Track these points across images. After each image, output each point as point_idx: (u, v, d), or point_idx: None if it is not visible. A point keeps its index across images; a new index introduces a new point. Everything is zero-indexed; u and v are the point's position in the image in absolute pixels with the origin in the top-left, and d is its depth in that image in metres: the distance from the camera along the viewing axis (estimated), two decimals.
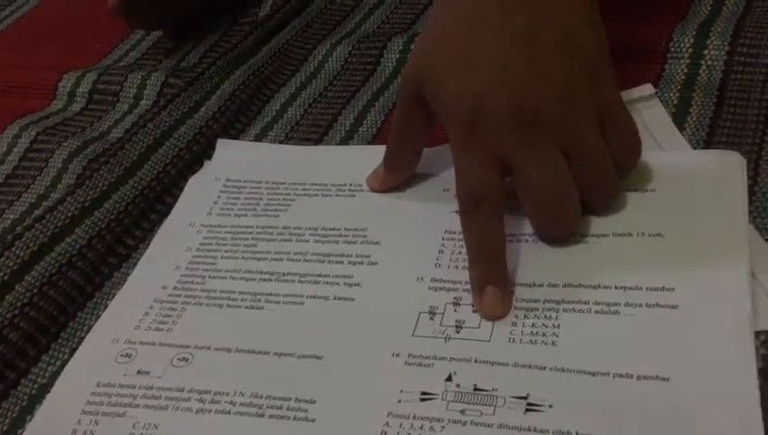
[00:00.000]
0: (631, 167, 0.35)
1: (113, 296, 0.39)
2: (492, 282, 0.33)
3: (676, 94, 0.41)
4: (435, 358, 0.32)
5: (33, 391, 0.36)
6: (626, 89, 0.40)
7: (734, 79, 0.41)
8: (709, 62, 0.42)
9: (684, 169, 0.37)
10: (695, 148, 0.38)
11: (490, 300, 0.33)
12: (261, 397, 0.32)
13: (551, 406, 0.29)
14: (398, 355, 0.32)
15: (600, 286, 0.33)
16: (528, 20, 0.34)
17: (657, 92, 0.41)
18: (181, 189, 0.44)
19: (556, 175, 0.33)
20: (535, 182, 0.33)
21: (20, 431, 0.34)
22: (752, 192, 0.35)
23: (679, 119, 0.40)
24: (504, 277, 0.33)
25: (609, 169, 0.34)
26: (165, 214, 0.43)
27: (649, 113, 0.40)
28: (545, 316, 0.32)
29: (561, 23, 0.34)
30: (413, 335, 0.33)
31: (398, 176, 0.40)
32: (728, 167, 0.36)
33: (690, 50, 0.43)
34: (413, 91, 0.36)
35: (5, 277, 0.39)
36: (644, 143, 0.36)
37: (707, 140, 0.39)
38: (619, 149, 0.34)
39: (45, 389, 0.35)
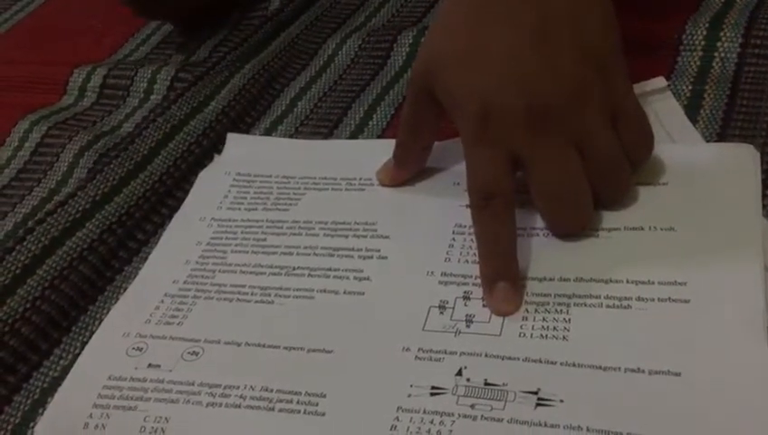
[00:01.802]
0: (643, 161, 0.35)
1: (124, 290, 0.39)
2: (503, 278, 0.33)
3: (689, 87, 0.41)
4: (445, 352, 0.31)
5: (45, 385, 0.36)
6: (638, 82, 0.40)
7: (748, 71, 0.41)
8: (722, 55, 0.42)
9: (696, 162, 0.36)
10: (708, 141, 0.38)
11: (501, 296, 0.33)
12: (271, 391, 0.32)
13: (561, 401, 0.29)
14: (408, 349, 0.32)
15: (611, 281, 0.32)
16: (540, 15, 0.33)
17: (669, 85, 0.41)
18: (191, 184, 0.45)
19: (567, 171, 0.33)
20: (547, 179, 0.33)
21: (32, 425, 0.34)
22: (765, 185, 0.35)
23: (692, 112, 0.40)
24: (516, 273, 0.33)
25: (622, 165, 0.34)
26: (175, 208, 0.43)
27: (662, 106, 0.40)
28: (556, 311, 0.32)
29: (574, 17, 0.34)
30: (423, 330, 0.33)
31: (408, 170, 0.40)
32: (741, 160, 0.36)
33: (703, 42, 0.42)
34: (422, 86, 0.36)
35: (17, 271, 0.39)
36: (656, 136, 0.35)
37: (720, 133, 0.38)
38: (631, 144, 0.34)
39: (57, 382, 0.35)
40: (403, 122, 0.39)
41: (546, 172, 0.33)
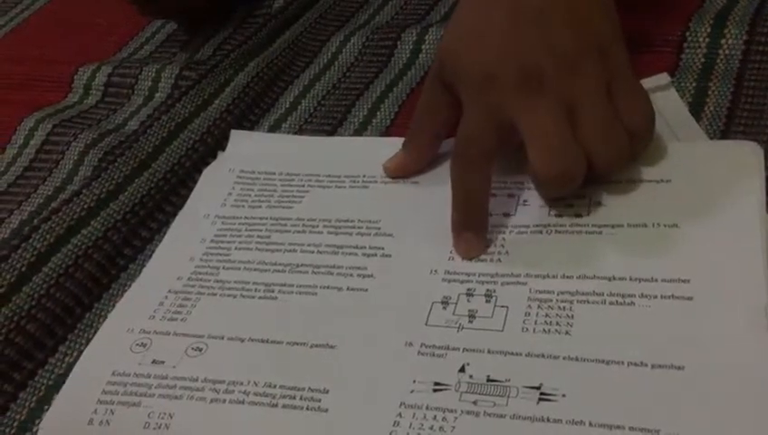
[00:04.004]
0: (643, 134, 0.35)
1: (129, 288, 0.39)
2: (469, 228, 0.35)
3: (693, 84, 0.41)
4: (448, 348, 0.32)
5: (50, 382, 0.36)
6: (642, 78, 0.39)
7: (752, 68, 0.41)
8: (727, 52, 0.41)
9: (700, 159, 0.36)
10: (712, 138, 0.38)
11: (464, 245, 0.35)
12: (274, 387, 0.32)
13: (564, 395, 0.29)
14: (410, 344, 0.32)
15: (614, 278, 0.32)
16: (540, 2, 0.34)
17: (673, 82, 0.41)
18: (196, 181, 0.45)
19: (557, 122, 0.33)
20: (536, 125, 0.33)
21: (37, 421, 0.34)
22: None
23: (696, 108, 0.40)
24: (481, 224, 0.35)
25: (617, 130, 0.34)
26: (179, 206, 0.43)
27: (665, 103, 0.40)
28: (559, 307, 0.32)
29: (573, 4, 0.34)
30: (426, 325, 0.33)
31: (417, 159, 0.40)
32: (745, 157, 0.35)
33: (707, 39, 0.42)
34: (438, 73, 0.37)
35: (23, 269, 0.39)
36: (660, 133, 0.35)
37: (725, 130, 0.38)
38: (627, 112, 0.34)
39: (62, 379, 0.35)
40: (417, 108, 0.40)
41: (536, 121, 0.33)
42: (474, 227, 0.35)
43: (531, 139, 0.34)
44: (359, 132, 0.46)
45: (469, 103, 0.35)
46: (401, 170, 0.40)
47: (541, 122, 0.33)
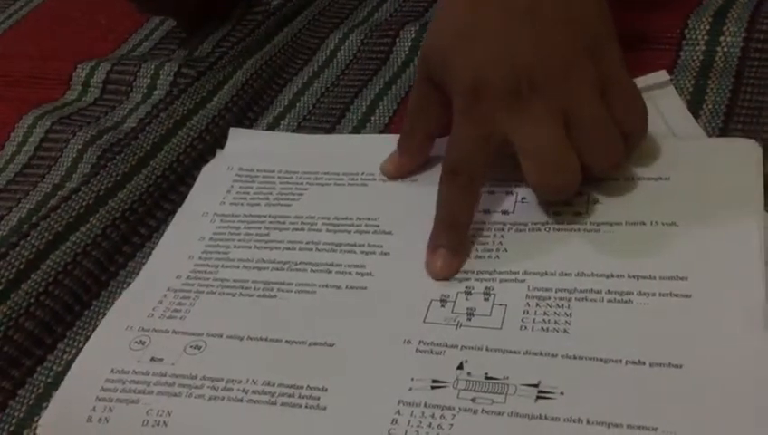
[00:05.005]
0: (637, 134, 0.35)
1: (128, 285, 0.39)
2: (445, 246, 0.34)
3: (692, 81, 0.41)
4: (446, 345, 0.32)
5: (49, 379, 0.36)
6: (640, 75, 0.39)
7: (751, 66, 0.41)
8: (725, 49, 0.41)
9: (698, 156, 0.36)
10: (710, 135, 0.38)
11: (439, 262, 0.34)
12: (273, 385, 0.32)
13: (562, 393, 0.29)
14: (409, 342, 0.32)
15: (612, 275, 0.32)
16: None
17: (672, 79, 0.41)
18: (194, 179, 0.45)
19: (550, 133, 0.33)
20: (529, 137, 0.33)
21: (36, 419, 0.34)
22: (767, 180, 0.35)
23: (695, 106, 0.40)
24: (458, 244, 0.35)
25: (611, 133, 0.34)
26: (178, 203, 0.43)
27: (664, 100, 0.40)
28: (557, 305, 0.32)
29: (565, 1, 0.34)
30: (424, 322, 0.33)
31: (412, 160, 0.40)
32: (743, 155, 0.36)
33: (706, 36, 0.42)
34: (426, 72, 0.37)
35: (21, 267, 0.39)
36: (658, 130, 0.35)
37: (723, 128, 0.38)
38: (621, 114, 0.34)
39: (61, 377, 0.35)
40: (408, 109, 0.39)
41: (530, 133, 0.33)
42: (450, 245, 0.35)
43: (524, 153, 0.34)
44: (357, 130, 0.46)
45: (460, 115, 0.35)
46: (397, 172, 0.40)
47: (534, 135, 0.33)
